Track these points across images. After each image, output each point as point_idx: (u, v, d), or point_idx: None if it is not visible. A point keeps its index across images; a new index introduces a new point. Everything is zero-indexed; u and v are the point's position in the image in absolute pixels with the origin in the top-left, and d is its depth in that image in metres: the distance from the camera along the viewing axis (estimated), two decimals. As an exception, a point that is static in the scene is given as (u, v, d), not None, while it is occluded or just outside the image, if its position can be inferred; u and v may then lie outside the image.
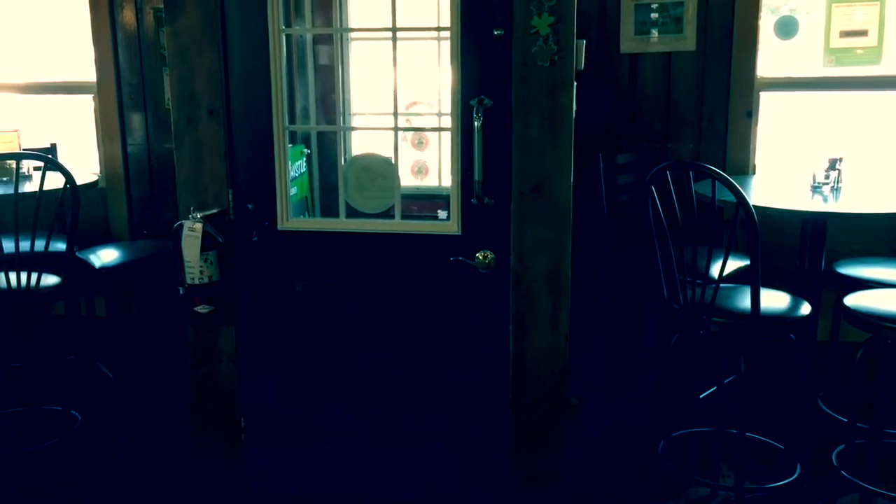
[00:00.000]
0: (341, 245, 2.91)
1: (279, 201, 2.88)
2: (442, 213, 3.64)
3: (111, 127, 4.52)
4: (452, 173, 2.77)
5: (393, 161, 2.85)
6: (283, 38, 2.80)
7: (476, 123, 2.66)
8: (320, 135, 3.55)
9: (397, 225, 2.86)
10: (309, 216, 3.42)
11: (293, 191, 3.05)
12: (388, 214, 2.88)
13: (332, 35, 3.56)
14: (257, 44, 2.77)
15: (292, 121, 3.19)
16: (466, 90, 2.68)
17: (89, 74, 4.49)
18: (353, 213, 2.93)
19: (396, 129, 2.82)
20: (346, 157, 3.55)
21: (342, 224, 2.91)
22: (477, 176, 2.69)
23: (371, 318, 2.95)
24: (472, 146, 2.68)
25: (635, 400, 3.80)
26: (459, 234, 2.79)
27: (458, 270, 2.81)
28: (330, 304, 2.95)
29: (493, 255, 2.77)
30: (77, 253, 3.69)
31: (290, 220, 2.91)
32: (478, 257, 2.78)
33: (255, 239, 2.93)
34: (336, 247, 2.91)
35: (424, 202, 4.00)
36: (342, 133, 3.58)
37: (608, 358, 3.94)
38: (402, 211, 2.89)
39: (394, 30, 2.72)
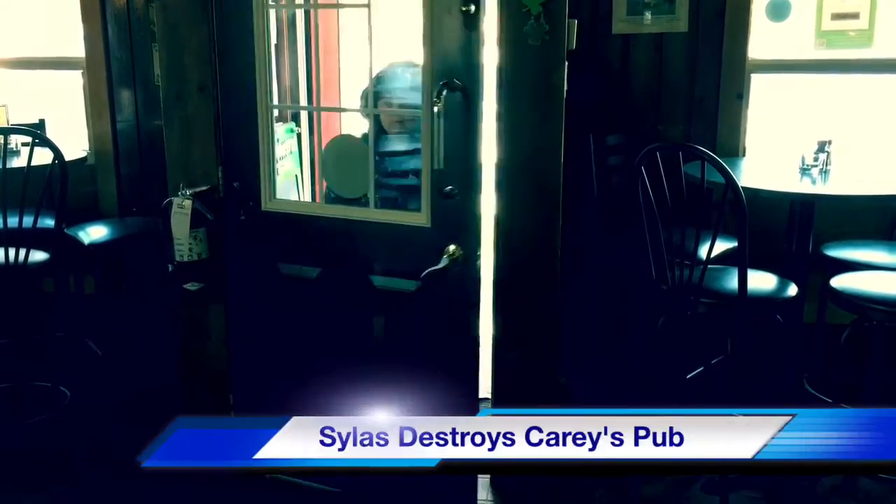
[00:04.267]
0: (321, 228, 2.87)
1: (263, 181, 2.84)
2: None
3: (100, 103, 4.48)
4: (423, 161, 2.62)
5: (369, 144, 2.77)
6: (267, 13, 2.76)
7: (434, 109, 2.45)
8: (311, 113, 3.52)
9: (371, 213, 2.78)
10: (299, 195, 3.41)
11: (286, 168, 3.03)
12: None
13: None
14: (245, 19, 2.75)
15: (282, 98, 3.17)
16: (438, 71, 2.53)
17: (78, 50, 4.45)
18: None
19: (372, 110, 2.77)
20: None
21: (320, 209, 2.90)
22: (439, 164, 2.49)
23: (350, 302, 2.90)
24: (441, 132, 2.47)
25: (623, 380, 3.81)
26: (429, 226, 2.66)
27: (430, 260, 2.72)
28: (311, 284, 2.93)
29: (461, 248, 2.63)
30: (66, 229, 3.67)
31: (273, 201, 2.88)
32: (449, 249, 2.64)
33: (243, 218, 2.91)
34: (316, 229, 2.88)
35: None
36: (319, 113, 3.47)
37: (596, 338, 3.96)
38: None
39: (369, 6, 2.61)
